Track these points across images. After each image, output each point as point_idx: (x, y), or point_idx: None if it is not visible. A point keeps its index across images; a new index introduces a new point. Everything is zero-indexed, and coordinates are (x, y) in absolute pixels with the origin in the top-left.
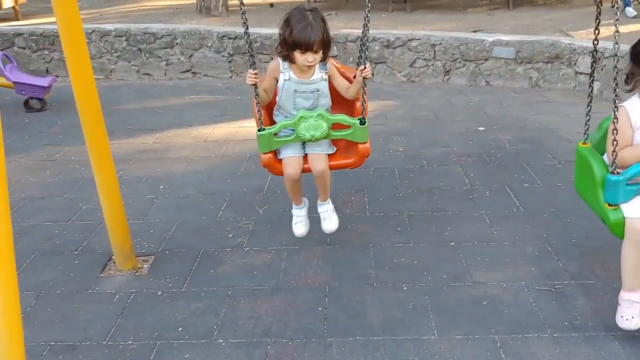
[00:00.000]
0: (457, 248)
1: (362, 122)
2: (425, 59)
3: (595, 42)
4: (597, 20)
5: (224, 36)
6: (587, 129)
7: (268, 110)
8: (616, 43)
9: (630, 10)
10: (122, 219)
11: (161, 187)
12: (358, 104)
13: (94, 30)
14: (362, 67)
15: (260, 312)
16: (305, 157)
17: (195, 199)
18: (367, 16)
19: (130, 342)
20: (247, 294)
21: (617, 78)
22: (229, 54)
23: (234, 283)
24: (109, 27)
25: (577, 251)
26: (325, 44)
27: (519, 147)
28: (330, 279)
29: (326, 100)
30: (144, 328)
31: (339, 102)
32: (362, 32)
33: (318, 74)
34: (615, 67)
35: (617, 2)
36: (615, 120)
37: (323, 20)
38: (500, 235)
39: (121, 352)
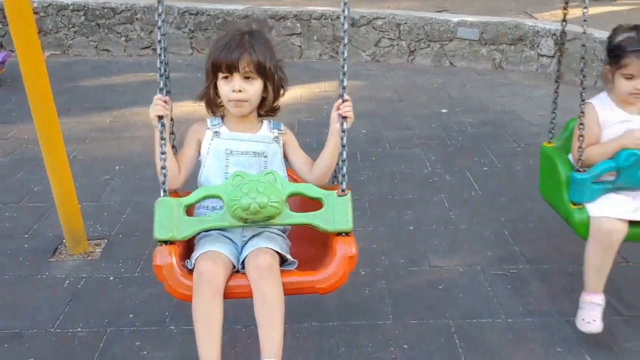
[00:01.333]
0: (416, 232)
1: (340, 195)
2: (390, 39)
3: (564, 22)
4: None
5: (185, 12)
6: (553, 128)
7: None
8: (584, 32)
9: None
10: (73, 202)
11: (117, 167)
12: (328, 162)
13: (50, 4)
14: (339, 101)
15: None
16: (236, 273)
17: (151, 181)
18: (345, 30)
19: (79, 329)
20: None
21: (584, 70)
22: (190, 30)
23: None
24: (66, 0)
25: (534, 235)
26: (265, 72)
27: (481, 130)
28: None
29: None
30: (94, 314)
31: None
32: (341, 47)
33: (267, 132)
34: (583, 57)
35: None
36: (581, 115)
37: (266, 41)
38: (459, 219)
39: (69, 339)
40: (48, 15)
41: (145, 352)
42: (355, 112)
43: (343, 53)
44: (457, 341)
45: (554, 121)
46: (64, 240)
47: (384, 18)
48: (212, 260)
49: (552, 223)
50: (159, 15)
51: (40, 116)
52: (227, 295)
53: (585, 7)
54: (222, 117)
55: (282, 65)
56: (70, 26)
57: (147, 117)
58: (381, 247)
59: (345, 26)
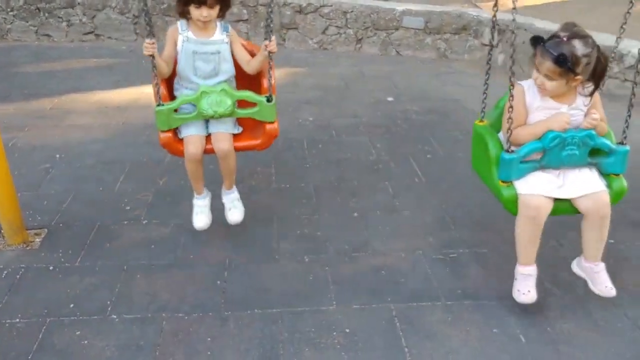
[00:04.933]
0: (360, 219)
1: (269, 100)
2: (337, 27)
3: (495, 8)
4: None
5: None
6: (484, 107)
7: (168, 85)
8: (513, 19)
9: None
10: (11, 190)
11: (57, 156)
12: (265, 81)
13: None
14: (266, 41)
15: (156, 288)
16: (208, 137)
17: (92, 169)
18: None
19: (17, 320)
20: (143, 268)
21: (514, 56)
22: (134, 15)
23: (130, 258)
24: None
25: (473, 220)
26: (222, 0)
27: (425, 118)
28: (231, 252)
29: (229, 66)
30: (33, 305)
31: (245, 78)
32: (268, 3)
33: (219, 35)
34: (512, 44)
35: None
36: (511, 98)
37: None
38: (402, 205)
39: (7, 331)
40: None
41: (85, 342)
42: (304, 100)
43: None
44: (397, 324)
45: (485, 101)
46: (2, 231)
47: (331, 6)
48: (193, 144)
49: (491, 209)
50: None
51: None
52: (205, 152)
53: None
54: (188, 20)
55: None
56: (9, 10)
57: (88, 104)
58: (326, 234)
59: None
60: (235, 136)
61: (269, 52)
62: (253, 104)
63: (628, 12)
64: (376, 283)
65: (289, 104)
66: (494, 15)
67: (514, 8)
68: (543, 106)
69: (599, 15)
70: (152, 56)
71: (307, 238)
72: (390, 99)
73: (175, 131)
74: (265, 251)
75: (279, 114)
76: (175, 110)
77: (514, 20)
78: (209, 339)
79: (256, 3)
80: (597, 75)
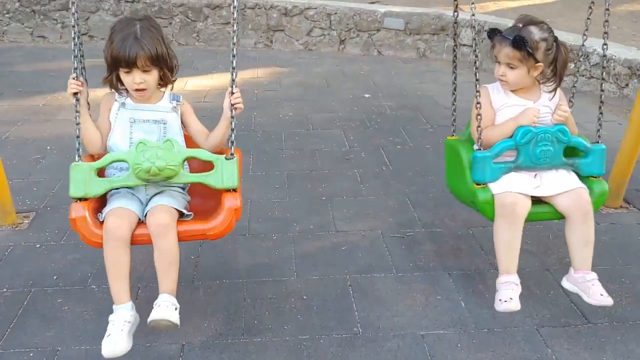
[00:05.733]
0: (327, 202)
1: (229, 158)
2: (321, 28)
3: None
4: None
5: None
6: (454, 120)
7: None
8: (473, 16)
9: None
10: (1, 177)
11: (48, 147)
12: (221, 135)
13: None
14: (229, 90)
15: (135, 262)
16: (142, 223)
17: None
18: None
19: (4, 289)
20: None
21: (478, 56)
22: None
23: None
24: None
25: (432, 204)
26: (158, 61)
27: (399, 113)
28: None
29: (178, 141)
30: (19, 277)
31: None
32: (232, 45)
33: (167, 102)
34: (475, 43)
35: None
36: (477, 94)
37: (157, 31)
38: (368, 190)
39: None
40: None
41: (66, 308)
42: (285, 97)
43: (233, 44)
44: (351, 292)
45: (454, 113)
46: None
47: (316, 8)
48: (119, 217)
49: (450, 194)
50: (72, 3)
51: None
52: (133, 242)
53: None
54: (127, 90)
55: (169, 44)
56: (5, 12)
57: None
58: (294, 216)
59: (235, 15)
60: (181, 219)
61: (234, 109)
62: (208, 166)
63: (590, 8)
64: (336, 258)
65: (271, 101)
66: (455, 19)
67: (472, 2)
68: (509, 103)
69: (580, 17)
70: (77, 97)
71: (276, 219)
72: (367, 95)
73: (96, 206)
74: (238, 230)
75: (260, 110)
76: (102, 172)
77: (473, 15)
78: (180, 304)
79: (244, 6)
80: (560, 67)
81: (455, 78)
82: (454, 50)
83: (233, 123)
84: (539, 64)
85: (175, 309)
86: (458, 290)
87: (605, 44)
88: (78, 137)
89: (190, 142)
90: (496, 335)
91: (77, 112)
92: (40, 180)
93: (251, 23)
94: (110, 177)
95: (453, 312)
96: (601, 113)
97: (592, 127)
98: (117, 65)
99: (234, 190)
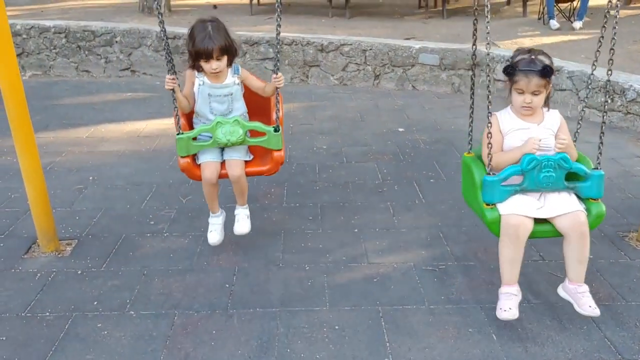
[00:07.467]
0: (360, 234)
1: (276, 130)
2: (356, 64)
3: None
4: (473, 32)
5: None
6: (471, 139)
7: (188, 117)
8: (488, 53)
9: (554, 23)
10: (46, 205)
11: (90, 178)
12: (273, 114)
13: (32, 27)
14: (274, 75)
15: (171, 289)
16: (223, 163)
17: (122, 190)
18: (279, 24)
19: (47, 314)
20: (161, 273)
21: (490, 87)
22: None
23: (150, 264)
24: (48, 23)
25: (465, 237)
26: (227, 50)
27: (432, 147)
28: (240, 260)
29: (240, 104)
30: (61, 302)
31: (256, 112)
32: (275, 40)
33: (230, 79)
34: (488, 76)
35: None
36: (489, 125)
37: (223, 29)
38: (400, 223)
39: (38, 322)
40: (31, 37)
41: (105, 332)
42: (320, 130)
43: (278, 33)
44: (382, 323)
45: (471, 133)
46: (37, 240)
47: (351, 44)
48: (208, 170)
49: (483, 227)
50: (159, 13)
51: (17, 127)
52: (220, 177)
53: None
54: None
55: (232, 35)
56: (52, 48)
57: (122, 133)
58: (327, 247)
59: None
60: (247, 163)
61: (277, 88)
62: (262, 134)
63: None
64: (367, 289)
65: (306, 134)
66: (474, 52)
67: (488, 46)
68: (515, 127)
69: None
70: (173, 90)
71: (309, 250)
72: (401, 129)
73: (194, 157)
74: (271, 260)
75: (295, 143)
76: (194, 139)
77: (488, 54)
78: (214, 331)
79: (281, 43)
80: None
81: (472, 103)
82: (472, 87)
83: (279, 103)
84: (549, 85)
85: (247, 217)
86: (490, 323)
87: (609, 70)
88: (177, 116)
89: (250, 94)
90: None
91: (174, 100)
92: (82, 209)
93: (288, 59)
94: (200, 140)
95: (485, 346)
96: (601, 142)
97: (628, 162)
98: (199, 57)
99: (279, 150)
